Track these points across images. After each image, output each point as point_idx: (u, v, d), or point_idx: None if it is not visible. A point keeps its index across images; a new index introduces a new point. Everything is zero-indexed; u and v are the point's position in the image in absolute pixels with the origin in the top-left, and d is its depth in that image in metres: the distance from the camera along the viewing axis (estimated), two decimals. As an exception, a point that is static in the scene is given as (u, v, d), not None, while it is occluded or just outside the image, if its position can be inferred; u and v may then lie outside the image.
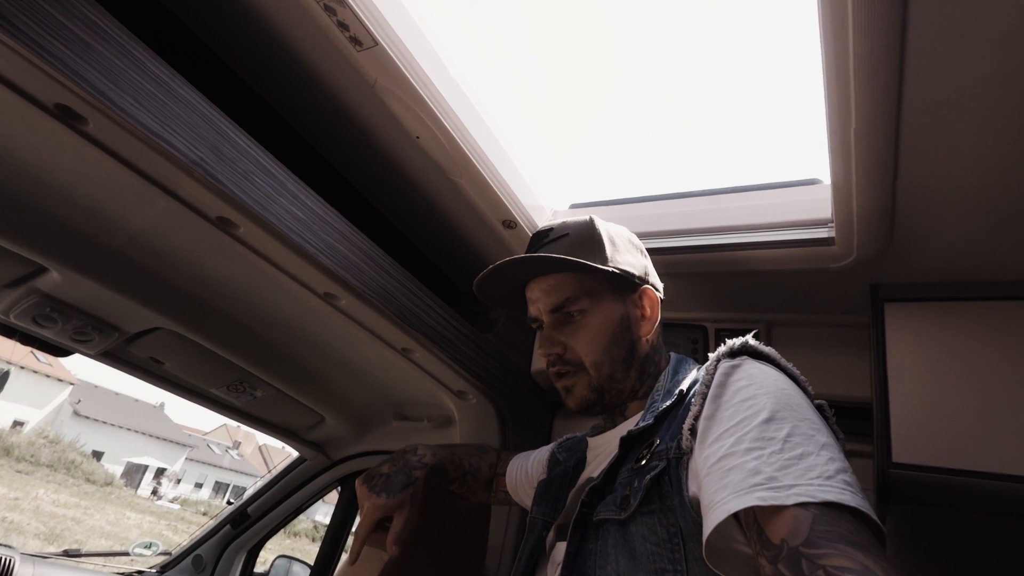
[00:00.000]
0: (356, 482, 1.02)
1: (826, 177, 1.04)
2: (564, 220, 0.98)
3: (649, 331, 0.93)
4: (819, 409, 0.74)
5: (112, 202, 0.97)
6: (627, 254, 0.95)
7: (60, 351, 1.45)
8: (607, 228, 0.96)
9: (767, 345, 0.79)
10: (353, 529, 2.04)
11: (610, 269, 0.90)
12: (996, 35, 0.62)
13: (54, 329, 1.33)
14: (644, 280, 0.94)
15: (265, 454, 35.09)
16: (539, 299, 0.94)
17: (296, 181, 0.94)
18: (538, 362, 1.52)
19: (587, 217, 0.96)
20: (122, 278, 1.19)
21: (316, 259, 0.97)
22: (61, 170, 0.91)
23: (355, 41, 0.87)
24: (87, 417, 24.87)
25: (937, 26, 0.63)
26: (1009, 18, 0.60)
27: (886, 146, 0.78)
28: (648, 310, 0.94)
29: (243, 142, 0.86)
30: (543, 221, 1.29)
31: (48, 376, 24.04)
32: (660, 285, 0.99)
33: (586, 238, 0.92)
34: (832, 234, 1.01)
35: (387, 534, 0.98)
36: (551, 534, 0.91)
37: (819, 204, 1.05)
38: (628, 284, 0.93)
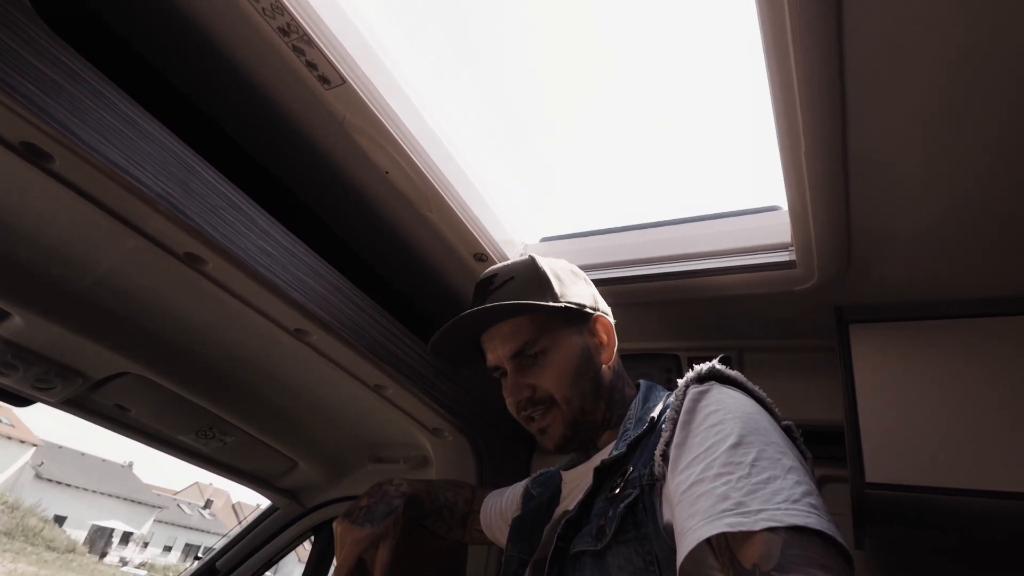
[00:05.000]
0: (335, 523, 0.99)
1: (786, 203, 1.08)
2: (504, 263, 0.99)
3: (609, 358, 0.95)
4: (786, 431, 0.76)
5: (79, 242, 0.96)
6: (574, 286, 0.96)
7: (19, 400, 1.40)
8: (549, 264, 0.97)
9: (739, 372, 0.81)
10: (328, 580, 1.96)
11: (562, 305, 0.91)
12: (931, 54, 0.66)
13: (14, 377, 1.28)
14: (595, 308, 0.96)
15: (238, 511, 33.75)
16: (497, 347, 0.93)
17: (265, 216, 0.95)
18: (514, 397, 1.51)
19: (527, 256, 0.98)
20: (88, 321, 1.16)
21: (286, 294, 0.96)
22: (27, 211, 0.90)
23: (323, 80, 0.89)
24: (50, 480, 23.78)
25: (872, 48, 0.67)
26: (939, 41, 0.65)
27: (836, 168, 0.81)
28: (604, 337, 0.96)
29: (211, 178, 0.87)
30: (514, 254, 1.31)
31: (10, 438, 23.04)
32: (610, 312, 1.01)
33: (532, 278, 0.93)
34: (793, 257, 1.04)
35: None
36: (528, 571, 0.90)
37: (780, 229, 1.09)
38: (581, 316, 0.94)
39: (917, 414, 1.00)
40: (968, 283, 1.01)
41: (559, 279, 0.95)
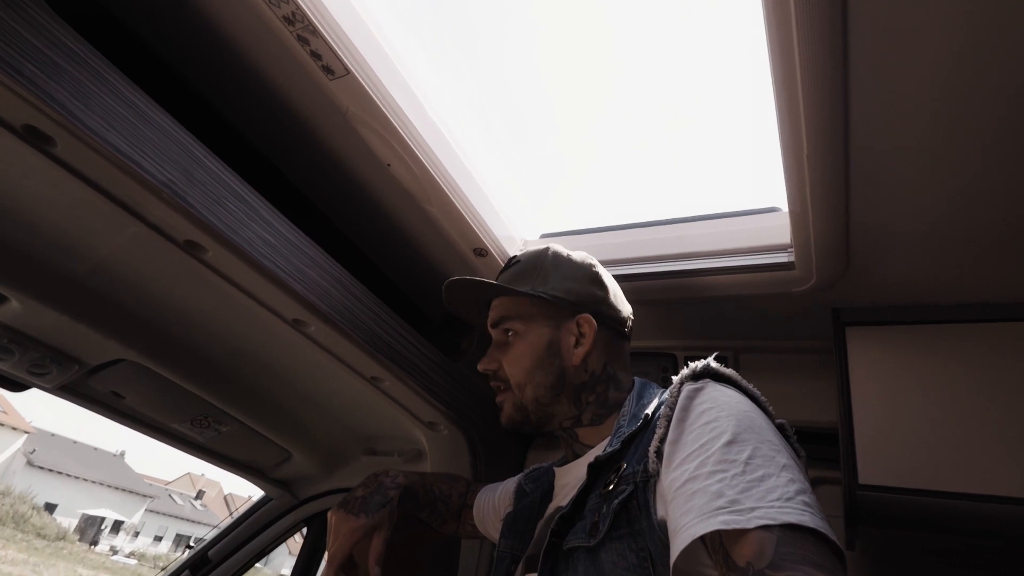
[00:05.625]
0: (329, 512, 1.00)
1: (785, 205, 1.08)
2: (530, 249, 1.02)
3: (582, 356, 0.92)
4: (780, 429, 0.76)
5: (79, 227, 0.96)
6: (570, 282, 0.95)
7: (15, 385, 1.40)
8: (560, 257, 0.98)
9: (735, 371, 0.81)
10: (319, 572, 1.96)
11: (529, 293, 0.92)
12: (933, 59, 0.67)
13: (10, 362, 1.28)
14: (582, 307, 0.94)
15: (229, 502, 33.72)
16: (490, 315, 1.01)
17: (267, 206, 0.95)
18: (510, 392, 1.52)
19: (546, 246, 1.01)
20: (85, 307, 1.16)
21: (286, 284, 0.96)
22: (27, 195, 0.90)
23: (327, 70, 0.89)
24: (42, 467, 23.71)
25: (876, 51, 0.67)
26: (941, 43, 0.65)
27: (837, 170, 0.82)
28: (584, 337, 0.93)
29: (214, 166, 0.87)
30: (514, 250, 1.31)
31: (2, 424, 22.95)
32: (625, 315, 1.00)
33: (530, 266, 0.97)
34: (792, 258, 1.04)
35: (356, 570, 0.96)
36: (520, 567, 0.90)
37: (779, 230, 1.09)
38: (562, 311, 0.94)
39: (911, 417, 1.01)
40: (966, 288, 1.02)
41: (558, 272, 0.95)
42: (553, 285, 0.94)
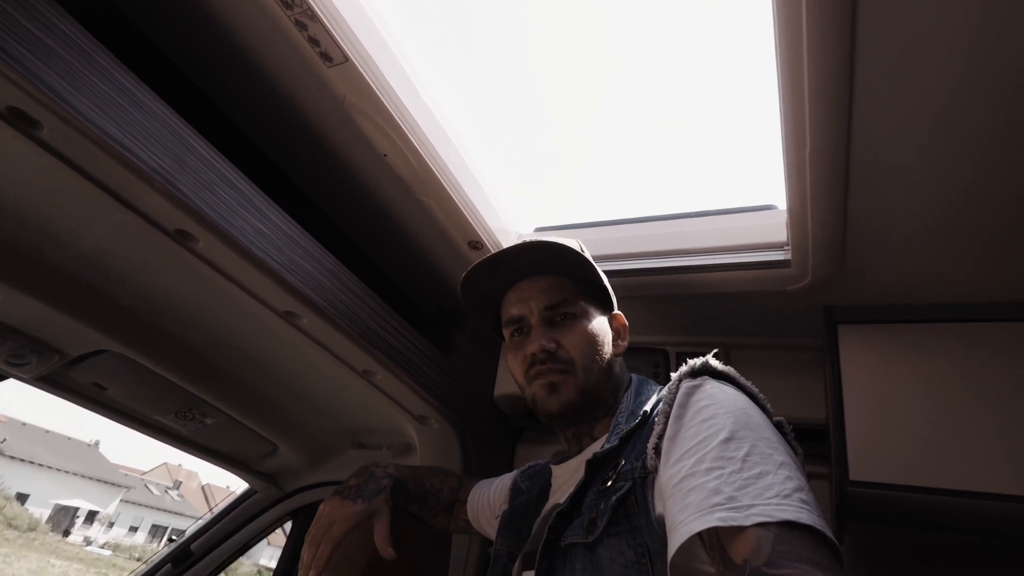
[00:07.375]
0: (323, 504, 0.98)
1: (781, 203, 1.08)
2: (555, 238, 0.98)
3: (620, 352, 0.97)
4: (778, 426, 0.76)
5: (63, 215, 0.93)
6: (604, 280, 1.00)
7: (-8, 375, 1.35)
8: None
9: (733, 368, 0.81)
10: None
11: (605, 284, 0.97)
12: (936, 65, 0.67)
13: (-13, 351, 1.24)
14: (612, 306, 1.02)
15: (208, 494, 33.38)
16: (531, 297, 0.94)
17: (261, 195, 0.92)
18: (501, 387, 1.51)
19: (570, 240, 0.99)
20: (68, 296, 1.13)
21: (278, 275, 0.94)
22: (8, 180, 0.86)
23: (325, 57, 0.87)
24: (13, 457, 23.24)
25: (882, 55, 0.67)
26: (946, 48, 0.65)
27: (838, 170, 0.82)
28: (620, 332, 0.99)
29: (207, 153, 0.85)
30: (508, 243, 1.30)
31: (-30, 413, 22.43)
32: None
33: (580, 255, 0.95)
34: (788, 256, 1.05)
35: (346, 565, 0.95)
36: (517, 564, 0.89)
37: (775, 228, 1.09)
38: (608, 304, 1.00)
39: (902, 414, 1.02)
40: (958, 288, 1.03)
41: (594, 266, 0.98)
42: (601, 280, 0.99)
